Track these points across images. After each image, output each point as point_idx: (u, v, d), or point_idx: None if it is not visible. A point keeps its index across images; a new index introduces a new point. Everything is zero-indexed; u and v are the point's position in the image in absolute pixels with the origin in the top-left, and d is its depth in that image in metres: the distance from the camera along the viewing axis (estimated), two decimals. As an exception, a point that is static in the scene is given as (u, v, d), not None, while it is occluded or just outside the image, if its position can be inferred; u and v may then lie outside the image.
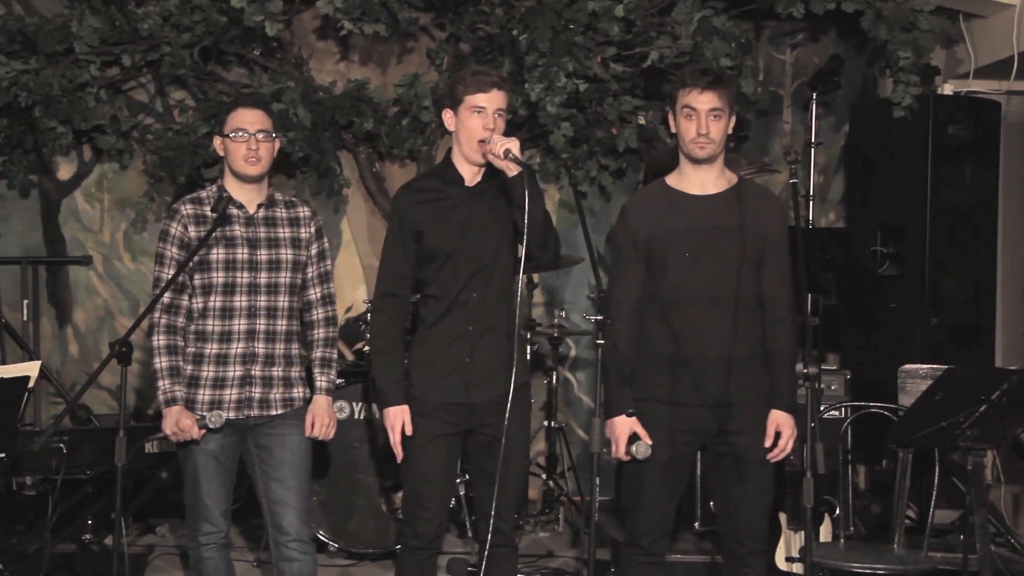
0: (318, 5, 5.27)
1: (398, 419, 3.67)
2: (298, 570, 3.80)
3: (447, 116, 3.72)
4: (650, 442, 3.58)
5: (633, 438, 3.59)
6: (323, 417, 3.82)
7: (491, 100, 3.62)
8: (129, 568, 4.56)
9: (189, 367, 3.76)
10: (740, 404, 3.62)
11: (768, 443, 3.61)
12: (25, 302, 6.05)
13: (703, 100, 3.59)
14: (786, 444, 3.61)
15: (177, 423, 3.66)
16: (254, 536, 5.31)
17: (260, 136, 3.75)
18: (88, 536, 4.99)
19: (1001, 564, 4.72)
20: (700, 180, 3.67)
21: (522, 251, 3.66)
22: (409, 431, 3.66)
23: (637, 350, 3.66)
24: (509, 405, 3.55)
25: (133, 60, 5.67)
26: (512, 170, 3.52)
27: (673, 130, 3.68)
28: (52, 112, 5.60)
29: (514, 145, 3.52)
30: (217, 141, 3.82)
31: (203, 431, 3.68)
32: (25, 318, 6.04)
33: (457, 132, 3.70)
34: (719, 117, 3.60)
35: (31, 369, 3.78)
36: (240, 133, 3.73)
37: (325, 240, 3.93)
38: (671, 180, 3.73)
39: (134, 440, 4.49)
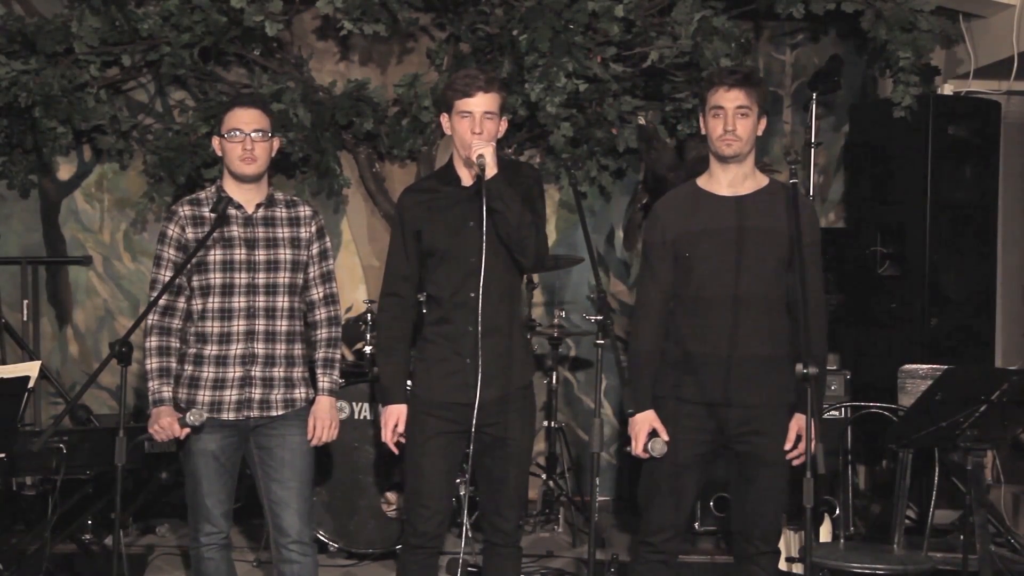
0: (318, 5, 5.26)
1: (392, 416, 3.72)
2: (298, 572, 3.79)
3: (443, 120, 3.75)
4: (667, 439, 3.59)
5: (652, 435, 3.60)
6: (324, 419, 3.81)
7: (477, 104, 3.63)
8: (129, 568, 4.56)
9: (189, 368, 3.76)
10: (765, 405, 3.62)
11: (788, 446, 3.62)
12: (25, 302, 6.05)
13: (730, 98, 3.60)
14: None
15: (158, 422, 3.67)
16: (255, 536, 5.31)
17: (255, 136, 3.74)
18: (88, 536, 4.99)
19: (1001, 564, 4.72)
20: (729, 180, 3.68)
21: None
22: (400, 431, 3.70)
23: (660, 349, 3.67)
24: (508, 410, 3.56)
25: (133, 60, 5.67)
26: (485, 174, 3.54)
27: (704, 131, 3.69)
28: (52, 112, 5.59)
29: (488, 151, 3.53)
30: (215, 141, 3.82)
31: (186, 429, 3.67)
32: (25, 318, 6.04)
33: (453, 135, 3.72)
34: (746, 115, 3.60)
35: (31, 369, 3.78)
36: (235, 133, 3.73)
37: (327, 240, 3.92)
38: (701, 181, 3.74)
39: (134, 440, 4.49)
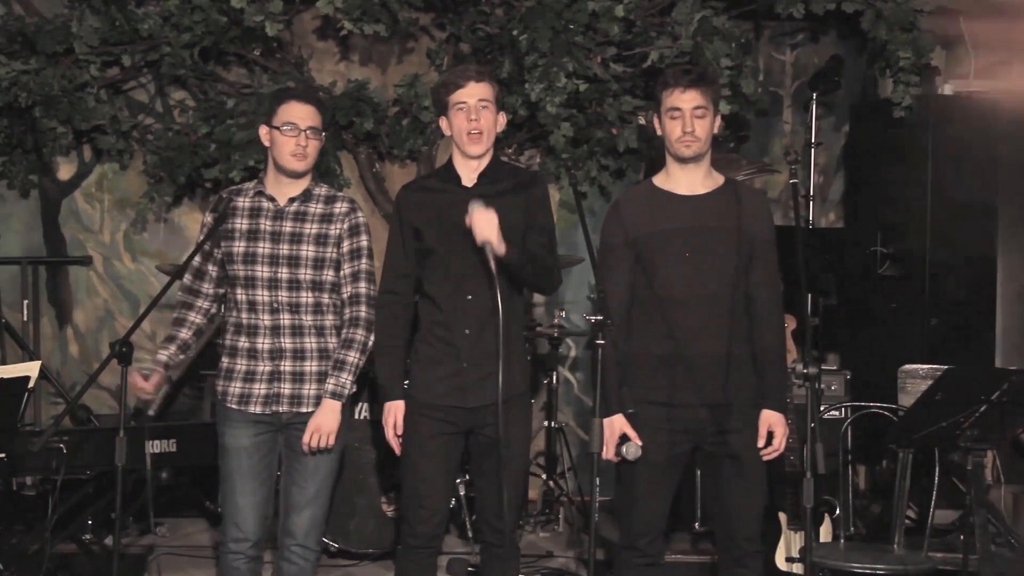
0: (318, 5, 5.26)
1: (391, 414, 3.70)
2: (296, 573, 3.78)
3: (442, 123, 3.75)
4: (639, 443, 3.58)
5: (623, 439, 3.59)
6: (315, 425, 3.69)
7: (470, 93, 3.64)
8: (129, 568, 4.56)
9: (226, 360, 3.78)
10: (734, 404, 3.62)
11: (761, 443, 3.62)
12: (25, 302, 6.05)
13: (686, 99, 3.59)
14: (779, 443, 3.62)
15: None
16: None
17: (310, 132, 3.69)
18: (88, 536, 4.99)
19: (1001, 564, 4.72)
20: (688, 180, 3.67)
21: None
22: (400, 428, 3.69)
23: (627, 350, 3.66)
24: (505, 412, 3.56)
25: (133, 60, 5.68)
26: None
27: (659, 132, 3.68)
28: (52, 112, 5.59)
29: (492, 235, 3.48)
30: (263, 131, 3.74)
31: (151, 381, 3.72)
32: (25, 318, 6.04)
33: (452, 135, 3.71)
34: (703, 115, 3.60)
35: (31, 369, 3.78)
36: (290, 127, 3.67)
37: (362, 238, 3.78)
38: (659, 181, 3.73)
39: (134, 440, 4.49)
